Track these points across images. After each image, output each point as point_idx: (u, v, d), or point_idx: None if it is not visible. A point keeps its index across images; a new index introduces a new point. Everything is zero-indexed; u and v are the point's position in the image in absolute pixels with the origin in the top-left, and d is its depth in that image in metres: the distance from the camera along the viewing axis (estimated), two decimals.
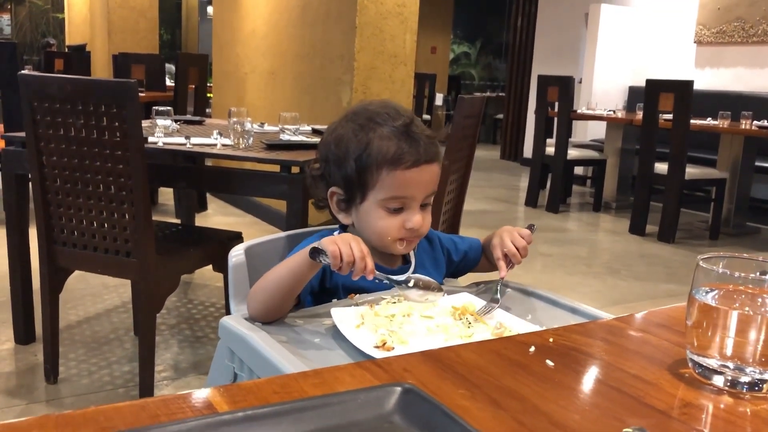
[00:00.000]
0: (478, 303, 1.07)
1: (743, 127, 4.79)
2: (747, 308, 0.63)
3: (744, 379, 0.63)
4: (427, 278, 1.07)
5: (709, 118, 5.12)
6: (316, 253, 0.97)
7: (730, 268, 0.65)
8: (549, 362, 0.68)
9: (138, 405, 0.55)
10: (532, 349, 0.72)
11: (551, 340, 0.74)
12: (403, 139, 1.13)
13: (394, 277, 1.06)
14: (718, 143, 5.13)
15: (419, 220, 1.14)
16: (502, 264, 1.18)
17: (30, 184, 2.15)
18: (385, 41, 3.65)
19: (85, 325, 2.69)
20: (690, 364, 0.67)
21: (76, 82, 1.95)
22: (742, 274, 0.65)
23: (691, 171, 4.70)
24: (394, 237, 1.14)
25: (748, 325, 0.63)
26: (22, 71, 2.79)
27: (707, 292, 0.65)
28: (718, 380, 0.64)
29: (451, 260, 1.29)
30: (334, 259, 0.96)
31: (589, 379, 0.67)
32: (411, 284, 1.05)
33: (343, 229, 1.22)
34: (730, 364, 0.63)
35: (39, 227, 2.08)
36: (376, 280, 1.02)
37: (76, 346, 2.48)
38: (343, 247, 0.96)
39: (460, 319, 1.00)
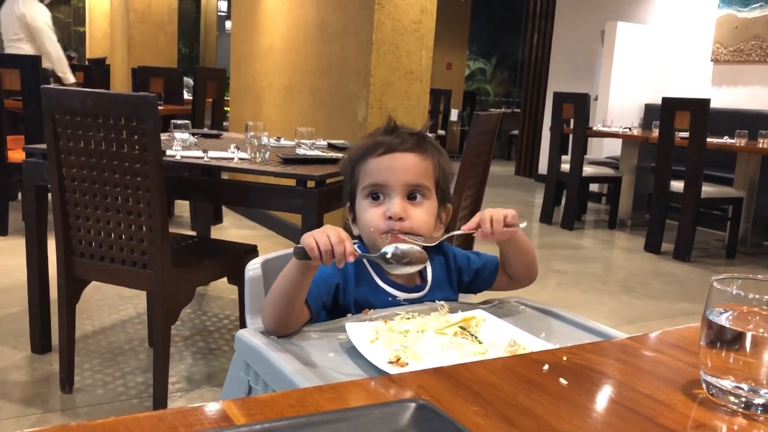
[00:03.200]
0: (490, 319, 1.08)
1: (761, 145, 4.76)
2: (761, 330, 0.63)
3: (758, 401, 0.63)
4: (406, 247, 1.03)
5: (725, 137, 5.09)
6: (299, 252, 0.97)
7: (745, 290, 0.65)
8: (562, 381, 0.69)
9: (157, 416, 0.56)
10: (546, 367, 0.72)
11: (565, 358, 0.75)
12: (381, 134, 1.20)
13: (374, 255, 1.04)
14: (734, 162, 5.10)
15: (398, 208, 1.14)
16: (471, 224, 1.13)
17: (50, 195, 2.18)
18: (401, 57, 3.68)
19: (101, 335, 2.71)
20: (704, 385, 0.67)
21: (98, 95, 1.98)
22: (757, 296, 0.65)
23: (708, 189, 4.67)
24: (377, 228, 1.14)
25: (763, 346, 0.63)
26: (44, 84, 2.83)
27: (721, 313, 0.66)
28: (732, 401, 0.64)
29: (462, 279, 1.27)
30: (311, 251, 0.96)
31: (603, 398, 0.67)
32: (389, 255, 1.01)
33: (361, 241, 1.23)
34: (744, 386, 0.63)
35: (57, 238, 2.11)
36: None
37: (91, 356, 2.50)
38: (319, 236, 0.96)
39: (464, 336, 1.00)
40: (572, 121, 5.54)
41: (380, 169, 1.16)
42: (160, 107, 2.36)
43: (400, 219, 1.14)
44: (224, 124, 5.40)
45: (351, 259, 0.97)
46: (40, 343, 2.47)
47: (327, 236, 0.96)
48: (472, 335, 1.01)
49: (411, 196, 1.17)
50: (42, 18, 5.91)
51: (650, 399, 0.66)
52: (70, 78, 6.03)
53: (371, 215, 1.16)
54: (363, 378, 0.69)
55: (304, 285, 1.03)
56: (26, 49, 5.87)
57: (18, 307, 2.87)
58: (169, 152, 2.27)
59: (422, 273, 1.22)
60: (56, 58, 5.91)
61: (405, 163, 1.16)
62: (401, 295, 1.16)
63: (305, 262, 0.98)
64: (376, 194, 1.16)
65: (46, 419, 2.05)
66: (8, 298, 3.02)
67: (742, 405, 0.64)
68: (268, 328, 1.02)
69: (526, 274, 1.27)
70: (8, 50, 6.02)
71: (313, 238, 0.96)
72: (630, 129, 5.76)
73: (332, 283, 1.12)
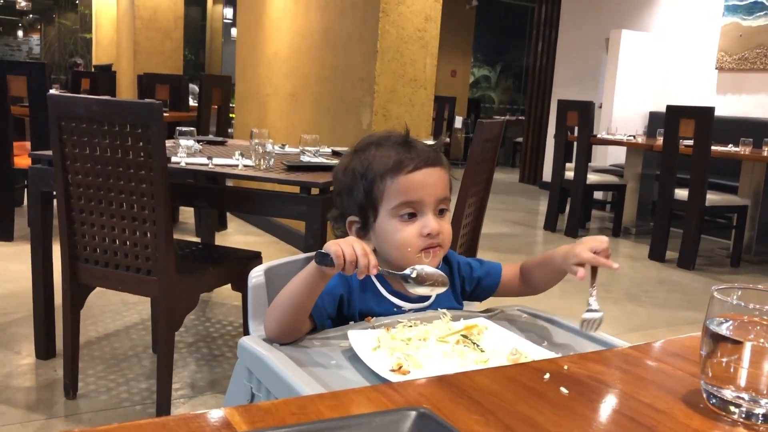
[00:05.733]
0: (492, 327, 1.08)
1: (765, 153, 4.76)
2: (762, 340, 0.64)
3: (759, 411, 0.63)
4: (431, 270, 1.05)
5: (730, 145, 5.09)
6: (321, 257, 0.98)
7: (745, 300, 0.66)
8: (563, 389, 0.69)
9: (159, 423, 0.56)
10: (547, 375, 0.72)
11: (566, 367, 0.75)
12: (401, 148, 1.16)
13: (398, 273, 1.04)
14: (739, 170, 5.09)
15: (435, 224, 1.14)
16: (581, 271, 1.19)
17: (55, 201, 2.19)
18: (405, 65, 3.69)
19: (105, 341, 2.72)
20: (704, 395, 0.67)
21: (103, 102, 1.99)
22: (758, 306, 0.65)
23: (712, 197, 4.67)
24: (414, 247, 1.13)
25: (763, 356, 0.63)
26: (51, 91, 2.85)
27: (722, 323, 0.66)
28: (733, 411, 0.64)
29: (464, 289, 1.27)
30: (337, 258, 0.96)
31: (603, 407, 0.67)
32: (414, 275, 1.03)
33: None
34: (745, 396, 0.63)
35: (62, 244, 2.11)
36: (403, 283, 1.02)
37: (95, 362, 2.51)
38: (345, 247, 0.97)
39: (465, 344, 1.00)
40: (576, 128, 5.55)
41: (414, 187, 1.13)
42: (165, 114, 2.37)
43: (438, 235, 1.14)
44: (229, 131, 5.42)
45: (374, 272, 0.98)
46: (44, 349, 2.48)
47: (352, 247, 0.97)
48: (474, 343, 1.01)
49: (439, 211, 1.16)
50: None
51: (651, 408, 0.66)
52: None
53: (408, 235, 1.13)
54: (365, 386, 0.69)
55: (316, 291, 1.04)
56: None
57: (23, 312, 2.88)
58: (174, 159, 2.28)
59: None
60: None
61: (435, 178, 1.16)
62: (406, 306, 1.17)
63: (322, 268, 0.99)
64: (411, 212, 1.14)
65: (49, 425, 2.05)
66: (13, 303, 3.03)
67: (743, 415, 0.64)
68: (269, 332, 1.03)
69: (549, 285, 1.28)
70: None
71: (340, 247, 0.97)
72: (634, 137, 5.76)
73: (336, 294, 1.12)
